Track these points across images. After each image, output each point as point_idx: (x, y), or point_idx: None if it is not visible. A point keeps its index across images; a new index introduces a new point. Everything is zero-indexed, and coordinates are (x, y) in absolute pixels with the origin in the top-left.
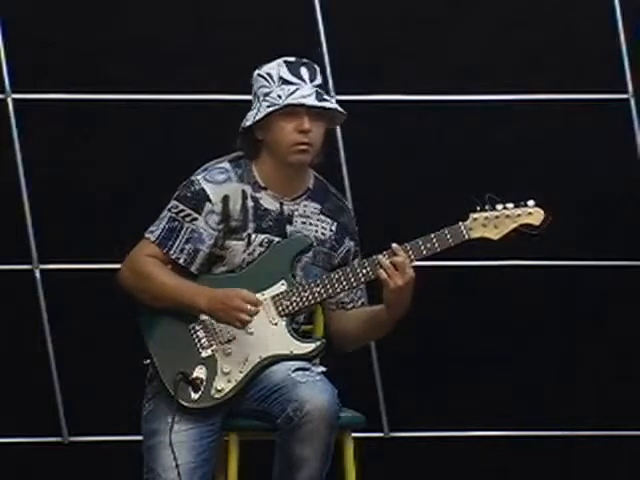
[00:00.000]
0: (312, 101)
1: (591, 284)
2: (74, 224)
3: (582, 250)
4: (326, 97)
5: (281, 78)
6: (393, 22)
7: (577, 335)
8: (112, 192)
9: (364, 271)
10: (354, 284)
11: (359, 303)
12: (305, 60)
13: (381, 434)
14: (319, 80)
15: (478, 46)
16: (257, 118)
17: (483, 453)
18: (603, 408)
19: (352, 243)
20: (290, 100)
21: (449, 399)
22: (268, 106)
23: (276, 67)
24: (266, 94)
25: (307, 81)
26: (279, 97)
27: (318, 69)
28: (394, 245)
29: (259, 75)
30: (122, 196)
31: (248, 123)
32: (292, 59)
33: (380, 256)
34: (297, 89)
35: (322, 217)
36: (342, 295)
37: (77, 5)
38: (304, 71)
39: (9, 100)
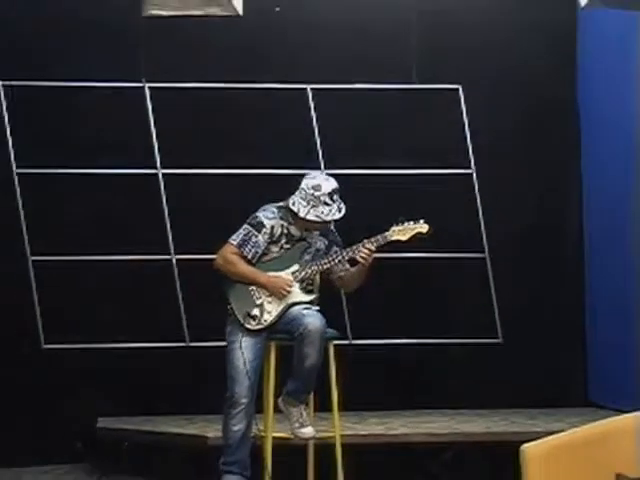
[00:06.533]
0: (337, 215)
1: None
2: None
3: None
4: (338, 200)
5: (325, 202)
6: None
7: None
8: (231, 205)
9: (338, 258)
10: (332, 263)
11: (345, 268)
12: (335, 186)
13: (347, 342)
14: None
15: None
16: (307, 218)
17: (402, 355)
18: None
19: (337, 247)
20: (329, 218)
21: (390, 318)
22: (316, 215)
23: (326, 195)
24: (314, 205)
25: (337, 202)
26: (323, 213)
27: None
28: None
29: (313, 195)
30: (229, 208)
31: (301, 215)
32: (329, 189)
33: (343, 252)
34: (330, 210)
35: (319, 237)
36: (338, 269)
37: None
38: (336, 196)
39: (160, 174)
